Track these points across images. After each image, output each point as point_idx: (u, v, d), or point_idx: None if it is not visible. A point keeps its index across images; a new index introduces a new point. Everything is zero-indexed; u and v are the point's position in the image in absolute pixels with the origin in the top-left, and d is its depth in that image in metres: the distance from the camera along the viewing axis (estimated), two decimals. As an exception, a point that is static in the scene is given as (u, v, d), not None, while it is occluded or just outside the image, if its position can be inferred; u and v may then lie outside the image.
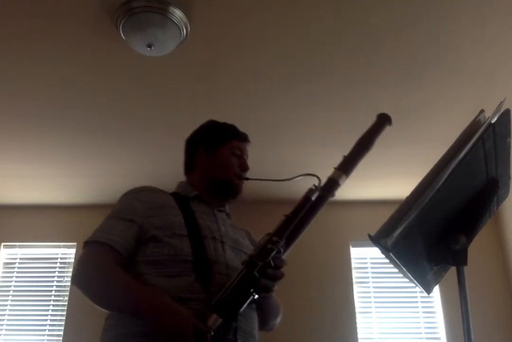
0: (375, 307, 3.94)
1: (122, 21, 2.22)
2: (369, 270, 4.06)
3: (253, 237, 1.65)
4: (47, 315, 3.91)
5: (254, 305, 1.38)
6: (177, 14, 2.21)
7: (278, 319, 1.61)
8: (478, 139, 1.12)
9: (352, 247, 4.06)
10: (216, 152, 1.59)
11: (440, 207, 1.13)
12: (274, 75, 2.67)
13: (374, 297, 3.97)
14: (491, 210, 1.26)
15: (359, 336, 3.77)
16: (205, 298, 1.27)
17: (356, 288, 3.95)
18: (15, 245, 4.13)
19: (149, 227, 1.38)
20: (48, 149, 3.40)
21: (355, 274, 4.00)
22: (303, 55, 2.52)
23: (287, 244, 1.35)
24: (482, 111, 1.18)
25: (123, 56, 2.50)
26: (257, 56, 2.54)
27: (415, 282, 1.23)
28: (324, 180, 1.48)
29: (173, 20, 2.22)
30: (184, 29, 2.28)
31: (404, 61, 2.56)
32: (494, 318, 3.66)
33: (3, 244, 4.12)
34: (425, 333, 3.86)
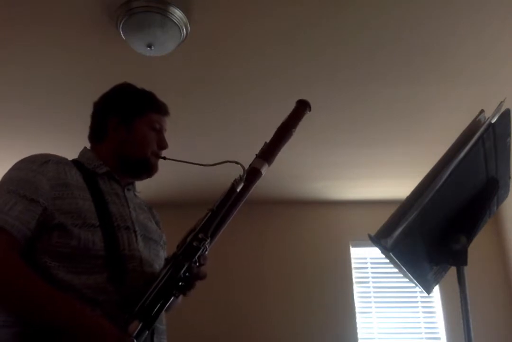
0: (375, 307, 3.95)
1: (122, 21, 2.22)
2: (369, 270, 4.07)
3: (156, 214, 1.52)
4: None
5: None
6: (177, 14, 2.21)
7: None
8: (478, 139, 1.12)
9: (352, 247, 4.06)
10: (133, 125, 1.41)
11: (440, 207, 1.13)
12: (274, 75, 2.67)
13: (374, 297, 3.98)
14: (491, 210, 1.26)
15: (359, 336, 3.78)
16: (118, 299, 1.16)
17: (356, 288, 3.96)
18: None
19: (54, 212, 1.19)
20: (46, 149, 3.39)
21: (355, 274, 4.01)
22: (304, 55, 2.52)
23: (211, 240, 1.26)
24: (482, 111, 1.18)
25: (123, 56, 2.50)
26: (257, 57, 2.54)
27: (415, 282, 1.23)
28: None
29: (173, 20, 2.22)
30: (184, 29, 2.28)
31: (404, 62, 2.56)
32: (494, 318, 3.67)
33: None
34: (425, 333, 3.87)
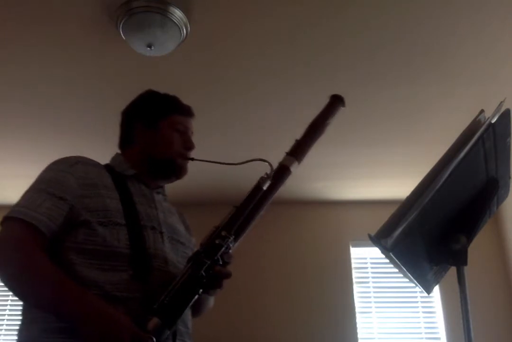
0: (375, 307, 3.94)
1: (122, 21, 2.22)
2: (369, 270, 4.06)
3: (186, 219, 1.53)
4: (47, 315, 3.90)
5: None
6: (177, 14, 2.21)
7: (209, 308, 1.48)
8: (478, 139, 1.12)
9: (352, 247, 4.06)
10: (156, 129, 1.44)
11: (440, 207, 1.13)
12: (274, 75, 2.67)
13: (374, 297, 3.97)
14: (491, 210, 1.26)
15: (359, 336, 3.77)
16: (142, 297, 1.17)
17: (356, 288, 3.95)
18: (15, 245, 4.12)
19: (81, 209, 1.22)
20: (46, 149, 3.39)
21: (355, 274, 4.00)
22: (304, 55, 2.52)
23: (236, 238, 1.24)
24: (482, 111, 1.18)
25: (123, 56, 2.50)
26: (257, 56, 2.54)
27: (415, 282, 1.23)
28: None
29: (173, 20, 2.22)
30: (184, 29, 2.28)
31: (404, 62, 2.56)
32: (494, 318, 3.66)
33: (3, 244, 4.12)
34: (425, 333, 3.86)
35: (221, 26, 2.34)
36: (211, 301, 1.42)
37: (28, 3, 2.18)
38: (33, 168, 4.07)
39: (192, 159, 1.44)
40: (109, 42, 2.39)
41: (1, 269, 1.16)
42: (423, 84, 2.73)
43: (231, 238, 1.22)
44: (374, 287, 3.99)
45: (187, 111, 1.52)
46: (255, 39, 2.42)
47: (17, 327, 1.23)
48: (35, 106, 2.94)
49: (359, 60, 2.55)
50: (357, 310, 3.86)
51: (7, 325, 3.90)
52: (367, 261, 4.08)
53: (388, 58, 2.54)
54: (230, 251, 1.23)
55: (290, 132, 3.55)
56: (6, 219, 1.20)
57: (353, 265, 4.01)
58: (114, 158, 1.47)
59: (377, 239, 1.03)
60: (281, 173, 1.34)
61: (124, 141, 1.50)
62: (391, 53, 2.50)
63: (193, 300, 1.16)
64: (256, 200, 1.28)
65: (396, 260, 1.07)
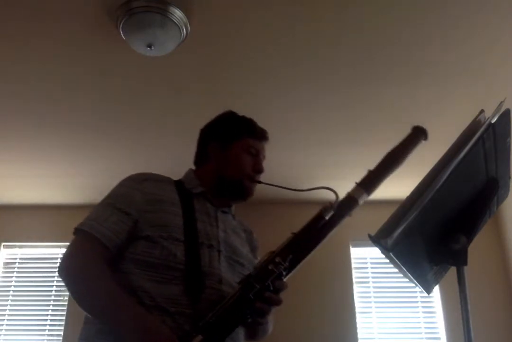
0: (375, 307, 3.95)
1: (122, 21, 2.22)
2: (369, 270, 4.06)
3: (254, 239, 1.56)
4: (47, 315, 3.91)
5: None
6: (177, 14, 2.21)
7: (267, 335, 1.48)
8: (478, 139, 1.11)
9: (352, 247, 4.06)
10: (230, 149, 1.48)
11: (440, 206, 1.13)
12: (275, 75, 2.67)
13: (374, 297, 3.97)
14: (491, 210, 1.26)
15: (359, 336, 3.78)
16: (191, 313, 1.19)
17: (356, 288, 3.95)
18: (15, 245, 4.13)
19: (144, 224, 1.29)
20: (46, 149, 3.40)
21: (355, 274, 4.00)
22: (305, 55, 2.52)
23: (291, 266, 1.23)
24: (482, 111, 1.18)
25: (123, 56, 2.50)
26: (257, 56, 2.53)
27: (415, 282, 1.22)
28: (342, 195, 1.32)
29: (173, 20, 2.22)
30: (184, 29, 2.28)
31: (404, 62, 2.56)
32: (494, 318, 3.66)
33: (3, 244, 4.12)
34: (425, 333, 3.86)
35: (221, 26, 2.34)
36: (269, 326, 1.42)
37: (29, 2, 2.18)
38: (33, 168, 4.09)
39: (260, 182, 1.46)
40: (109, 42, 2.39)
41: (66, 277, 1.26)
42: (423, 84, 2.73)
43: (285, 265, 1.21)
44: (374, 287, 3.99)
45: (261, 135, 1.56)
46: (255, 39, 2.42)
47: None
48: (35, 106, 2.94)
49: (359, 60, 2.55)
50: (357, 310, 3.86)
51: (7, 325, 3.89)
52: (367, 261, 4.08)
53: (388, 58, 2.54)
54: (284, 278, 1.23)
55: (291, 131, 3.56)
56: (77, 230, 1.31)
57: (353, 265, 4.01)
58: (186, 175, 1.52)
59: (377, 239, 1.03)
60: (347, 204, 1.34)
61: (198, 159, 1.55)
62: (391, 53, 2.50)
63: (241, 322, 1.17)
64: (317, 229, 1.28)
65: (396, 260, 1.07)
